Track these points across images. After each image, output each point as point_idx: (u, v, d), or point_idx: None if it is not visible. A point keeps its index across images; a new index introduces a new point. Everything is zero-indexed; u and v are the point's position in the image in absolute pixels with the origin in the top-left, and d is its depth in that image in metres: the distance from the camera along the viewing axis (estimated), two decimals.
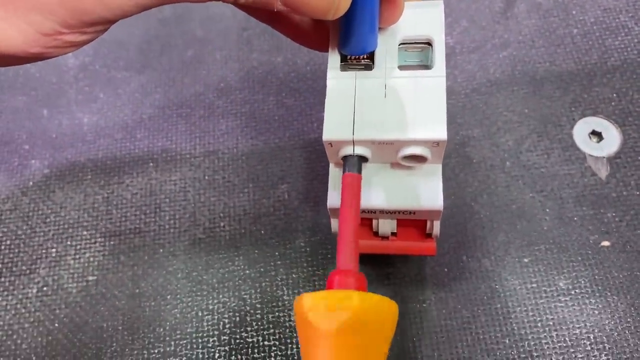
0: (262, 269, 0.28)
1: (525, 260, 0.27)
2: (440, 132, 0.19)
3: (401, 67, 0.21)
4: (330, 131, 0.20)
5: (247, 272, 0.28)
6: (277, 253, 0.29)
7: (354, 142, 0.20)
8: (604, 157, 0.29)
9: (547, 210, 0.28)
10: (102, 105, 0.34)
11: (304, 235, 0.29)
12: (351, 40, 0.20)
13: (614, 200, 0.28)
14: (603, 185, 0.29)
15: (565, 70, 0.32)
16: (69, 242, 0.30)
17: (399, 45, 0.21)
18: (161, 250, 0.29)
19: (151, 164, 0.32)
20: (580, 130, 0.30)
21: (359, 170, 0.20)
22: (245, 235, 0.29)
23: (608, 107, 0.31)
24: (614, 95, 0.31)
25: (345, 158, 0.20)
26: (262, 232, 0.29)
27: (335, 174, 0.22)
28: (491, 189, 0.29)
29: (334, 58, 0.21)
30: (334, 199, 0.21)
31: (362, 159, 0.20)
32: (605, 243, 0.27)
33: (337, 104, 0.20)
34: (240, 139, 0.32)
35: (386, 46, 0.21)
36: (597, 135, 0.30)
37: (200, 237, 0.29)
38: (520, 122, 0.31)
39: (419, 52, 0.21)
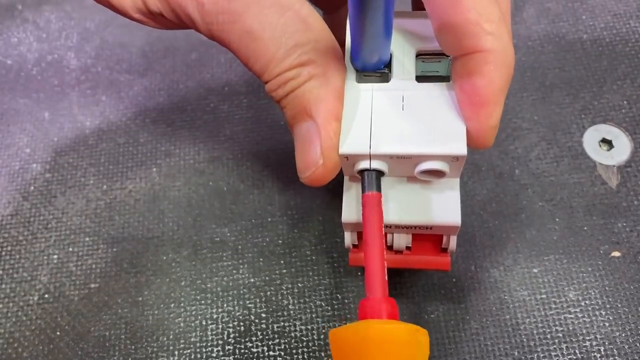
0: (267, 278, 0.28)
1: (535, 270, 0.27)
2: (460, 147, 0.19)
3: (419, 78, 0.21)
4: (347, 145, 0.20)
5: (252, 280, 0.28)
6: (282, 261, 0.28)
7: (370, 156, 0.19)
8: (614, 166, 0.29)
9: (557, 219, 0.28)
10: (104, 108, 0.34)
11: (310, 244, 0.29)
12: (361, 54, 0.19)
13: (624, 210, 0.28)
14: (613, 195, 0.28)
15: (575, 77, 0.32)
16: (70, 249, 0.30)
17: (417, 56, 0.21)
18: (164, 258, 0.29)
19: (154, 169, 0.31)
20: (590, 138, 0.30)
21: (379, 188, 0.20)
22: (250, 242, 0.29)
23: (618, 115, 0.30)
24: (625, 102, 0.31)
25: (362, 173, 0.20)
26: (268, 239, 0.29)
27: (349, 187, 0.21)
28: (500, 197, 0.29)
29: (350, 68, 0.21)
30: (348, 213, 0.21)
31: (379, 173, 0.20)
32: (616, 253, 0.27)
33: (353, 117, 0.20)
34: (244, 144, 0.32)
35: (403, 57, 0.21)
36: (607, 143, 0.30)
37: (205, 245, 0.29)
38: (530, 129, 0.30)
39: (437, 63, 0.21)
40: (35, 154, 0.33)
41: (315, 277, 0.28)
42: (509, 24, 0.20)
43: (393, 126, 0.20)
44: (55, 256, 0.30)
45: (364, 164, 0.20)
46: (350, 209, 0.21)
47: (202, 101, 0.33)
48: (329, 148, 0.20)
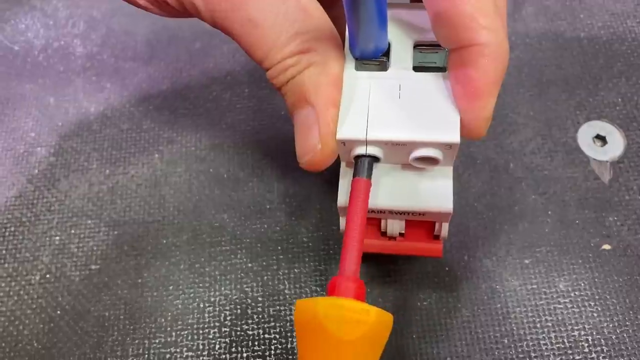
0: (264, 263, 0.29)
1: (526, 261, 0.28)
2: (453, 135, 0.19)
3: (416, 69, 0.21)
4: (344, 130, 0.20)
5: (249, 265, 0.29)
6: (279, 247, 0.29)
7: (366, 142, 0.20)
8: (607, 161, 0.30)
9: (549, 212, 0.29)
10: (108, 94, 0.34)
11: (307, 231, 0.29)
12: (358, 42, 0.20)
13: (616, 205, 0.29)
14: (606, 189, 0.29)
15: (572, 74, 0.32)
16: (72, 231, 0.30)
17: (414, 47, 0.21)
18: (164, 242, 0.30)
19: (157, 155, 0.32)
20: (585, 134, 0.30)
21: (369, 175, 0.20)
22: (248, 228, 0.29)
23: (613, 112, 0.31)
24: (619, 100, 0.31)
25: (356, 159, 0.20)
26: (266, 226, 0.29)
27: (346, 173, 0.22)
28: (494, 190, 0.29)
29: (349, 57, 0.21)
30: (343, 198, 0.22)
31: (374, 159, 0.20)
32: (606, 246, 0.28)
33: (351, 103, 0.21)
34: (245, 132, 0.32)
35: (401, 47, 0.21)
36: (601, 139, 0.30)
37: (204, 230, 0.30)
38: (525, 124, 0.31)
39: (434, 54, 0.21)
40: (40, 138, 0.33)
41: (312, 263, 0.28)
42: (504, 18, 0.21)
43: (389, 113, 0.20)
44: (57, 238, 0.30)
45: (360, 150, 0.20)
46: (345, 194, 0.22)
47: (204, 90, 0.34)
48: (326, 134, 0.20)
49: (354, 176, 0.20)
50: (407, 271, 0.27)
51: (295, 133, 0.21)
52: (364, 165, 0.20)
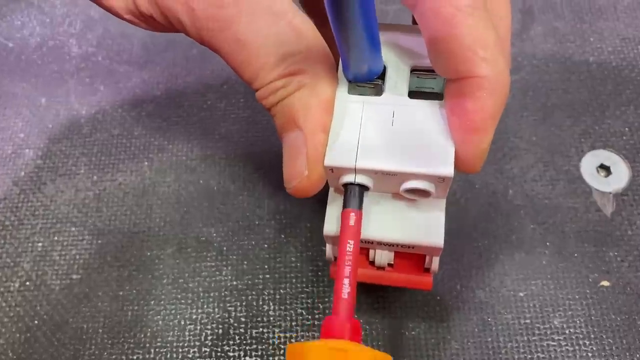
0: (249, 282, 0.28)
1: (521, 294, 0.27)
2: (446, 168, 0.18)
3: (412, 94, 0.20)
4: (333, 157, 0.19)
5: (234, 283, 0.28)
6: (266, 266, 0.28)
7: (355, 170, 0.19)
8: (610, 193, 0.29)
9: (548, 243, 0.28)
10: (101, 98, 0.33)
11: (296, 250, 0.28)
12: (350, 64, 0.19)
13: (617, 239, 0.27)
14: (607, 223, 0.28)
15: (578, 99, 0.31)
16: (55, 238, 0.30)
17: (411, 71, 0.20)
18: (148, 254, 0.29)
19: (146, 163, 0.31)
20: (588, 163, 0.29)
21: (360, 206, 0.19)
22: (235, 244, 0.29)
23: (619, 141, 0.30)
24: (626, 129, 0.30)
25: (346, 187, 0.20)
26: (254, 242, 0.29)
27: (334, 199, 0.21)
28: (491, 216, 0.28)
29: (342, 79, 0.20)
30: (331, 226, 0.21)
31: (364, 187, 0.20)
32: (605, 283, 0.27)
33: (341, 128, 0.20)
34: (239, 144, 0.31)
35: (397, 72, 0.20)
36: (605, 169, 0.29)
37: (190, 243, 0.29)
38: (527, 150, 0.30)
39: (432, 80, 0.20)
40: (28, 139, 0.32)
41: (298, 285, 0.27)
42: (507, 48, 0.20)
43: (381, 141, 0.19)
44: (40, 244, 0.29)
45: (348, 178, 0.19)
46: (333, 222, 0.21)
47: (199, 98, 0.33)
48: (314, 160, 0.19)
49: (344, 206, 0.19)
50: (396, 299, 0.27)
51: (283, 157, 0.20)
52: (354, 195, 0.19)
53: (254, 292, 0.27)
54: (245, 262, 0.28)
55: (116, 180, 0.31)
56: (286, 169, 0.20)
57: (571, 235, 0.28)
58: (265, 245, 0.28)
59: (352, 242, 0.19)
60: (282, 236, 0.29)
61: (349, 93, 0.21)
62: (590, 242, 0.27)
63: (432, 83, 0.21)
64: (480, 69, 0.17)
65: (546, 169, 0.29)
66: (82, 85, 0.34)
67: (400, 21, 0.21)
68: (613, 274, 0.27)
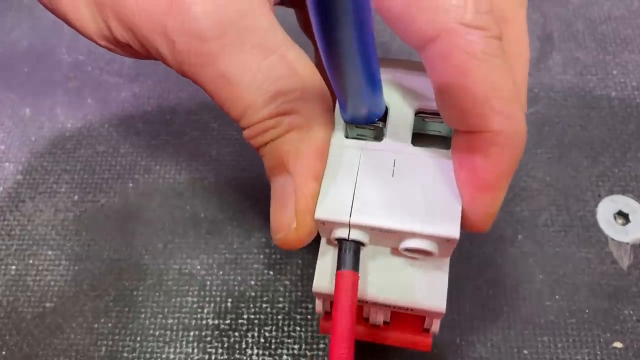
0: (232, 322, 0.26)
1: (525, 352, 0.24)
2: (451, 229, 0.16)
3: (416, 137, 0.18)
4: (325, 209, 0.17)
5: (216, 322, 0.26)
6: (251, 305, 0.26)
7: (350, 225, 0.17)
8: (628, 244, 0.26)
9: (557, 297, 0.25)
10: (88, 111, 0.32)
11: (284, 289, 0.26)
12: (347, 106, 0.17)
13: (633, 296, 0.25)
14: (623, 277, 0.26)
15: (597, 137, 0.29)
16: (30, 261, 0.28)
17: (416, 114, 0.18)
18: (127, 284, 0.27)
19: (131, 185, 0.29)
20: (605, 209, 0.27)
21: (357, 266, 0.17)
22: (220, 279, 0.27)
23: None
24: None
25: (340, 243, 0.17)
26: (240, 278, 0.27)
27: (325, 251, 0.19)
28: (498, 263, 0.26)
29: (339, 120, 0.18)
30: (321, 282, 0.18)
31: (359, 244, 0.18)
32: (618, 344, 0.24)
33: (336, 177, 0.18)
34: (230, 169, 0.29)
35: (400, 114, 0.18)
36: (623, 216, 0.27)
37: (172, 275, 0.27)
38: (540, 191, 0.28)
39: (439, 123, 0.18)
40: (9, 152, 0.31)
41: (285, 328, 0.25)
42: (524, 95, 0.18)
43: (379, 194, 0.17)
44: (14, 267, 0.28)
45: (341, 233, 0.17)
46: (323, 278, 0.19)
47: (192, 116, 0.31)
48: (303, 211, 0.17)
49: (338, 266, 0.17)
50: (393, 352, 0.24)
51: (271, 203, 0.18)
52: (350, 253, 0.17)
53: (236, 334, 0.25)
54: (230, 300, 0.26)
55: (98, 201, 0.29)
56: (273, 218, 0.18)
57: (583, 288, 0.25)
58: (252, 282, 0.26)
59: (348, 308, 0.17)
60: (271, 273, 0.27)
61: (346, 136, 0.19)
62: (603, 297, 0.25)
63: (438, 126, 0.19)
64: (494, 123, 0.15)
65: (559, 214, 0.27)
66: (69, 96, 0.32)
67: (404, 54, 0.19)
68: (627, 335, 0.25)
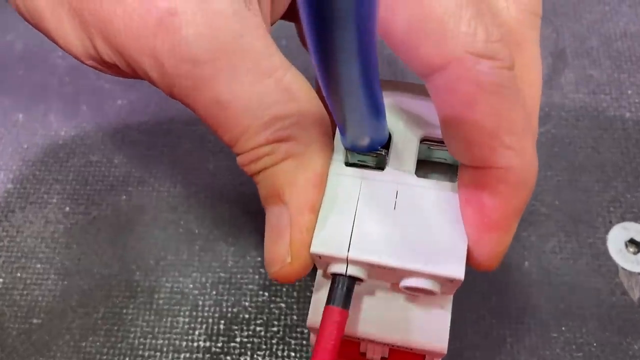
0: (225, 345, 0.25)
1: None
2: (456, 269, 0.15)
3: (420, 164, 0.17)
4: (321, 243, 0.16)
5: (208, 344, 0.25)
6: (244, 328, 0.25)
7: (347, 261, 0.16)
8: (639, 274, 0.25)
9: (563, 328, 0.24)
10: (83, 118, 0.31)
11: (280, 312, 0.25)
12: (347, 134, 0.16)
13: None
14: (634, 309, 0.25)
15: (610, 160, 0.28)
16: (18, 274, 0.27)
17: (421, 142, 0.17)
18: (117, 301, 0.26)
19: (124, 197, 0.28)
20: (616, 237, 0.26)
21: (347, 304, 0.16)
22: (212, 299, 0.26)
23: None
24: None
25: (334, 278, 0.16)
26: (233, 299, 0.26)
27: (322, 285, 0.18)
28: (502, 291, 0.25)
29: (339, 146, 0.17)
30: (315, 316, 0.17)
31: (355, 280, 0.16)
32: None
33: (333, 208, 0.16)
34: (227, 183, 0.28)
35: (404, 142, 0.17)
36: (635, 245, 0.26)
37: (163, 294, 0.26)
38: (548, 216, 0.27)
39: (445, 151, 0.17)
40: (0, 159, 0.30)
41: (280, 353, 0.24)
42: (535, 123, 0.17)
43: (379, 228, 0.16)
44: (1, 280, 0.27)
45: (338, 268, 0.16)
46: (318, 312, 0.17)
47: (189, 127, 0.30)
48: (298, 244, 0.16)
49: (328, 300, 0.16)
50: None
51: (265, 234, 0.17)
52: (341, 290, 0.16)
53: (229, 358, 0.24)
54: (222, 322, 0.25)
55: (90, 214, 0.28)
56: (267, 250, 0.17)
57: (591, 320, 0.24)
58: (246, 304, 0.25)
59: (330, 346, 0.15)
60: (266, 294, 0.26)
61: (346, 162, 0.18)
62: (612, 330, 0.24)
63: (444, 154, 0.18)
64: (504, 159, 0.14)
65: (568, 240, 0.26)
66: (63, 102, 0.31)
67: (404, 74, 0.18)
68: None
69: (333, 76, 0.13)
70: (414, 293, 0.17)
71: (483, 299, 0.25)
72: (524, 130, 0.14)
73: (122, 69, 0.16)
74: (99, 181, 0.29)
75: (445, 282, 0.16)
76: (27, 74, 0.32)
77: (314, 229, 0.16)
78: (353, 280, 0.17)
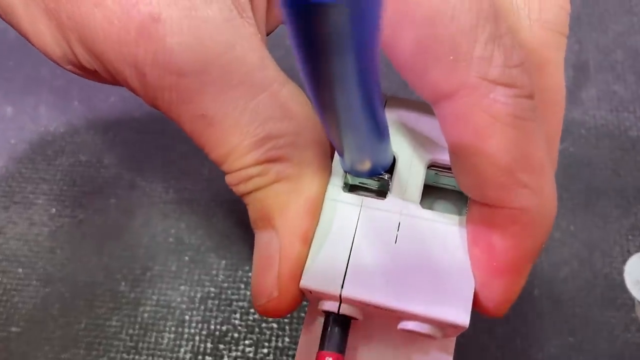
0: None
1: None
2: (460, 314, 0.14)
3: (426, 191, 0.16)
4: (312, 277, 0.15)
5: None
6: (233, 348, 0.24)
7: (341, 299, 0.15)
8: None
9: None
10: (73, 114, 0.29)
11: (270, 333, 0.24)
12: (345, 157, 0.14)
13: None
14: None
15: (631, 185, 0.26)
16: None
17: (428, 167, 0.16)
18: (99, 312, 0.25)
19: (113, 201, 0.27)
20: (634, 268, 0.24)
21: (343, 347, 0.15)
22: (200, 315, 0.24)
23: None
24: None
25: (327, 318, 0.15)
26: (222, 317, 0.24)
27: (312, 320, 0.16)
28: (510, 321, 0.24)
29: (337, 171, 0.16)
30: (303, 358, 0.16)
31: (349, 320, 0.15)
32: None
33: (328, 239, 0.15)
34: (222, 191, 0.27)
35: (409, 168, 0.15)
36: None
37: (148, 307, 0.24)
38: (562, 242, 0.25)
39: (452, 177, 0.16)
40: None
41: None
42: (555, 156, 0.15)
43: (378, 263, 0.15)
44: None
45: (330, 306, 0.15)
46: (307, 353, 0.16)
47: None
48: (287, 277, 0.15)
49: (321, 345, 0.15)
50: None
51: (253, 261, 0.16)
52: (336, 332, 0.15)
53: None
54: (209, 340, 0.24)
55: (76, 217, 0.27)
56: (255, 280, 0.16)
57: (603, 357, 0.23)
58: (236, 322, 0.24)
59: None
60: (257, 313, 0.24)
61: (345, 183, 0.16)
62: None
63: (453, 181, 0.16)
64: (519, 199, 0.13)
65: (582, 269, 0.24)
66: (54, 96, 0.30)
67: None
68: None
69: (327, 102, 0.11)
70: (413, 334, 0.15)
71: (487, 328, 0.23)
72: (542, 167, 0.13)
73: (103, 76, 0.15)
74: (88, 182, 0.27)
75: (447, 327, 0.14)
76: (18, 64, 0.31)
77: (306, 261, 0.15)
78: (348, 320, 0.15)
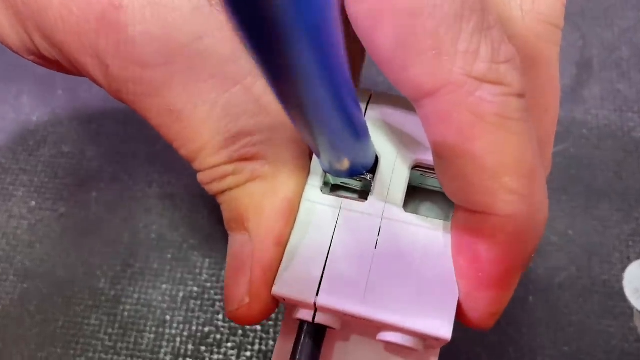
0: None
1: None
2: (442, 327, 0.13)
3: (411, 193, 0.15)
4: (286, 284, 0.14)
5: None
6: (215, 351, 0.23)
7: (315, 307, 0.14)
8: None
9: None
10: (57, 104, 0.28)
11: (254, 335, 0.23)
12: (320, 157, 0.13)
13: None
14: None
15: (633, 189, 0.25)
16: None
17: (413, 168, 0.15)
18: (78, 309, 0.24)
19: (94, 194, 0.26)
20: (634, 276, 0.23)
21: (315, 358, 0.14)
22: (182, 316, 0.23)
23: None
24: None
25: (301, 326, 0.14)
26: (204, 318, 0.23)
27: (288, 328, 0.15)
28: (503, 329, 0.23)
29: (316, 170, 0.15)
30: None
31: (325, 329, 0.14)
32: None
33: (304, 243, 0.14)
34: None
35: (393, 168, 0.14)
36: None
37: (128, 305, 0.24)
38: (560, 247, 0.24)
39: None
40: None
41: None
42: (548, 158, 0.14)
43: (356, 270, 0.14)
44: None
45: (304, 314, 0.14)
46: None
47: None
48: (259, 283, 0.14)
49: (293, 354, 0.14)
50: None
51: (226, 264, 0.15)
52: (309, 341, 0.14)
53: None
54: (191, 341, 0.23)
55: (57, 210, 0.26)
56: (227, 285, 0.15)
57: None
58: (219, 323, 0.23)
59: None
60: None
61: (325, 182, 0.15)
62: None
63: (437, 182, 0.15)
64: (506, 205, 0.12)
65: (579, 276, 0.23)
66: (38, 84, 0.29)
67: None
68: None
69: (287, 96, 0.10)
70: (392, 346, 0.15)
71: (479, 335, 0.23)
72: (532, 171, 0.12)
73: (67, 68, 0.14)
74: (70, 174, 0.26)
75: (428, 339, 0.14)
76: (1, 49, 0.30)
77: (279, 266, 0.14)
78: (323, 329, 0.14)
